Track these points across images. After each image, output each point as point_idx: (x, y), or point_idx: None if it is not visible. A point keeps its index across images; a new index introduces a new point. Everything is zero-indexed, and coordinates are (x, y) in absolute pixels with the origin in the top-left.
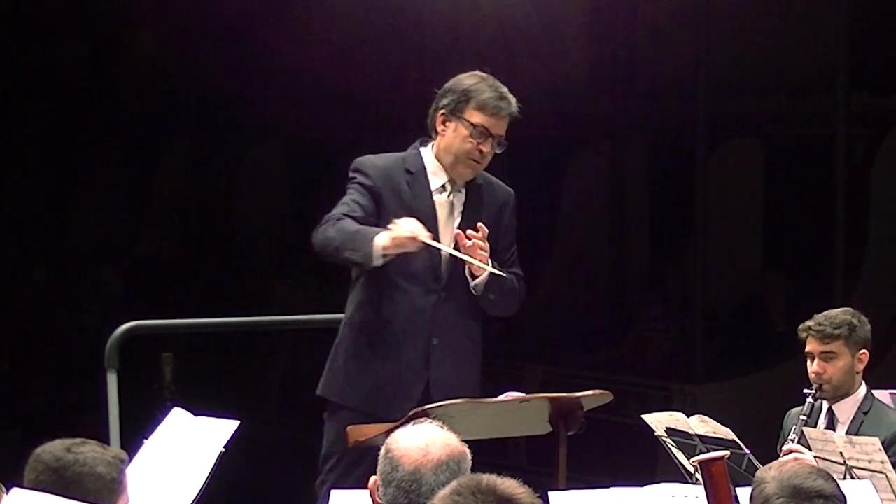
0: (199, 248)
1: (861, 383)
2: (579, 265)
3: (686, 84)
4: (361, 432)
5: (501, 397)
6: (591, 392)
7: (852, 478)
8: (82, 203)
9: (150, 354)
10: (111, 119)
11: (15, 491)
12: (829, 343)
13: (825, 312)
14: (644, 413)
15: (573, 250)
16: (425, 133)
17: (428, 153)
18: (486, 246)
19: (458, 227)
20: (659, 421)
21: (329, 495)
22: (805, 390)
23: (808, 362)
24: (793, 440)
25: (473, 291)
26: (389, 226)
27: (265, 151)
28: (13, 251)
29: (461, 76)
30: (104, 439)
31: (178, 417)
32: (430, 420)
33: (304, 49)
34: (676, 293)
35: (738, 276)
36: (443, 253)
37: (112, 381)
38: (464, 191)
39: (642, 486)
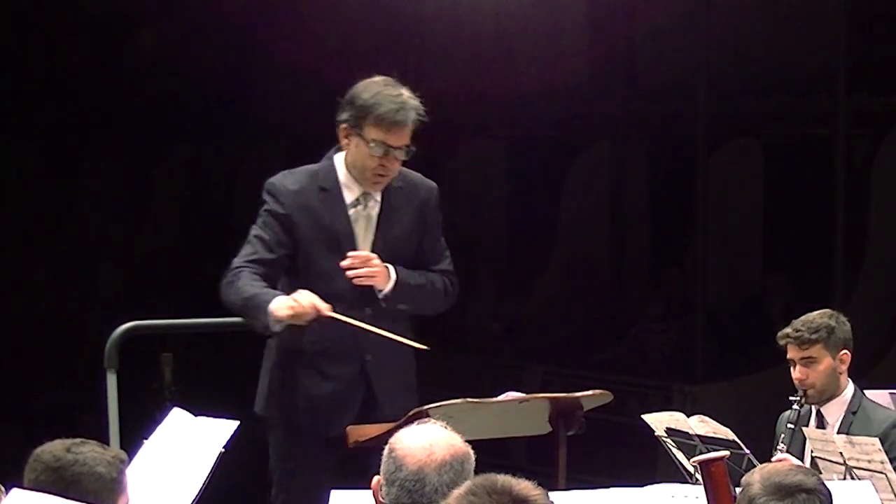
0: (199, 248)
1: (847, 383)
2: (579, 265)
3: (686, 84)
4: (362, 432)
5: (501, 397)
6: (591, 392)
7: (852, 478)
8: (82, 202)
9: (150, 354)
10: (111, 119)
11: (15, 491)
12: (808, 348)
13: (803, 317)
14: (644, 413)
15: (573, 250)
16: (424, 134)
17: (341, 163)
18: (373, 269)
19: (375, 239)
20: (659, 421)
21: (329, 496)
22: (791, 397)
23: (791, 369)
24: (781, 449)
25: (383, 304)
26: (292, 296)
27: (265, 151)
28: (13, 251)
29: (361, 85)
30: (104, 439)
31: (177, 417)
32: (431, 420)
33: (304, 49)
34: (676, 293)
35: (738, 276)
36: None
37: (112, 381)
38: (379, 199)
39: (642, 486)
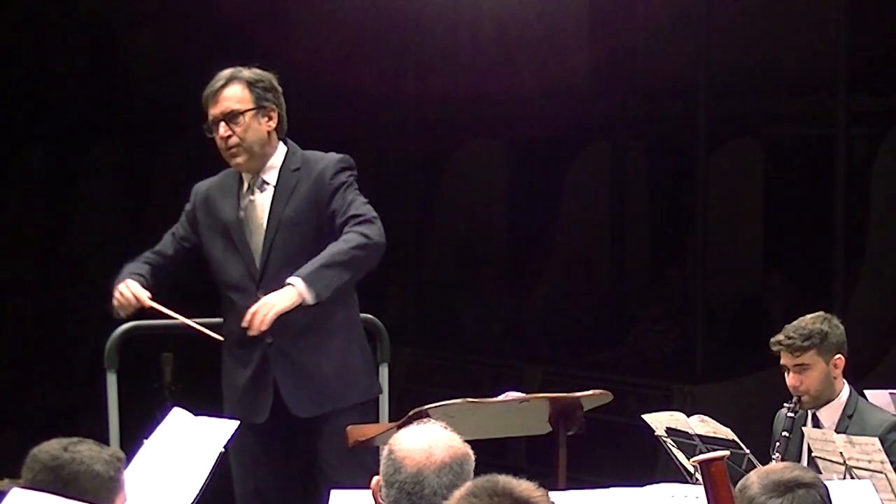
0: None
1: (843, 386)
2: (579, 265)
3: (686, 84)
4: (361, 432)
5: (501, 397)
6: (591, 392)
7: (852, 478)
8: (82, 203)
9: (150, 354)
10: (111, 119)
11: (14, 490)
12: (800, 355)
13: (795, 323)
14: (644, 413)
15: (573, 250)
16: (423, 132)
17: None
18: (262, 313)
19: (269, 221)
20: (659, 421)
21: (329, 495)
22: (785, 404)
23: (785, 375)
24: (776, 458)
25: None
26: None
27: None
28: (13, 251)
29: None
30: (104, 439)
31: (178, 417)
32: (431, 420)
33: (304, 49)
34: (676, 293)
35: (738, 276)
36: (256, 257)
37: (112, 381)
38: (274, 183)
39: (642, 486)
